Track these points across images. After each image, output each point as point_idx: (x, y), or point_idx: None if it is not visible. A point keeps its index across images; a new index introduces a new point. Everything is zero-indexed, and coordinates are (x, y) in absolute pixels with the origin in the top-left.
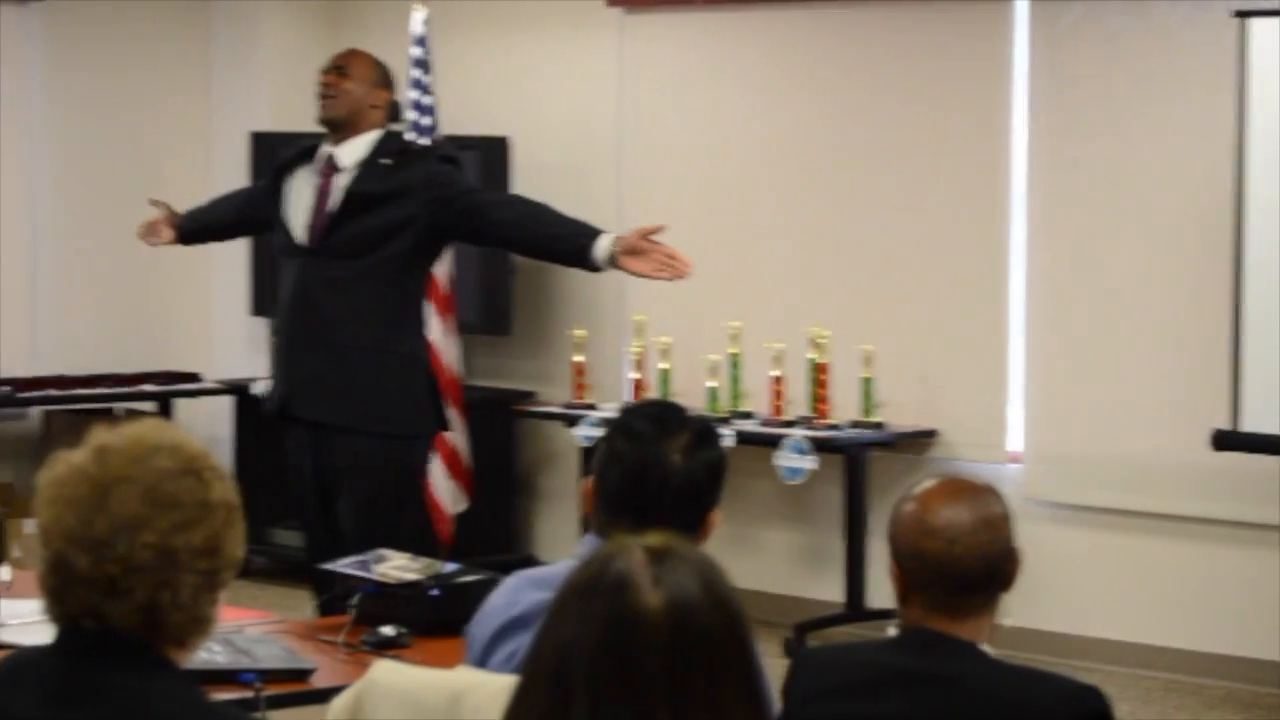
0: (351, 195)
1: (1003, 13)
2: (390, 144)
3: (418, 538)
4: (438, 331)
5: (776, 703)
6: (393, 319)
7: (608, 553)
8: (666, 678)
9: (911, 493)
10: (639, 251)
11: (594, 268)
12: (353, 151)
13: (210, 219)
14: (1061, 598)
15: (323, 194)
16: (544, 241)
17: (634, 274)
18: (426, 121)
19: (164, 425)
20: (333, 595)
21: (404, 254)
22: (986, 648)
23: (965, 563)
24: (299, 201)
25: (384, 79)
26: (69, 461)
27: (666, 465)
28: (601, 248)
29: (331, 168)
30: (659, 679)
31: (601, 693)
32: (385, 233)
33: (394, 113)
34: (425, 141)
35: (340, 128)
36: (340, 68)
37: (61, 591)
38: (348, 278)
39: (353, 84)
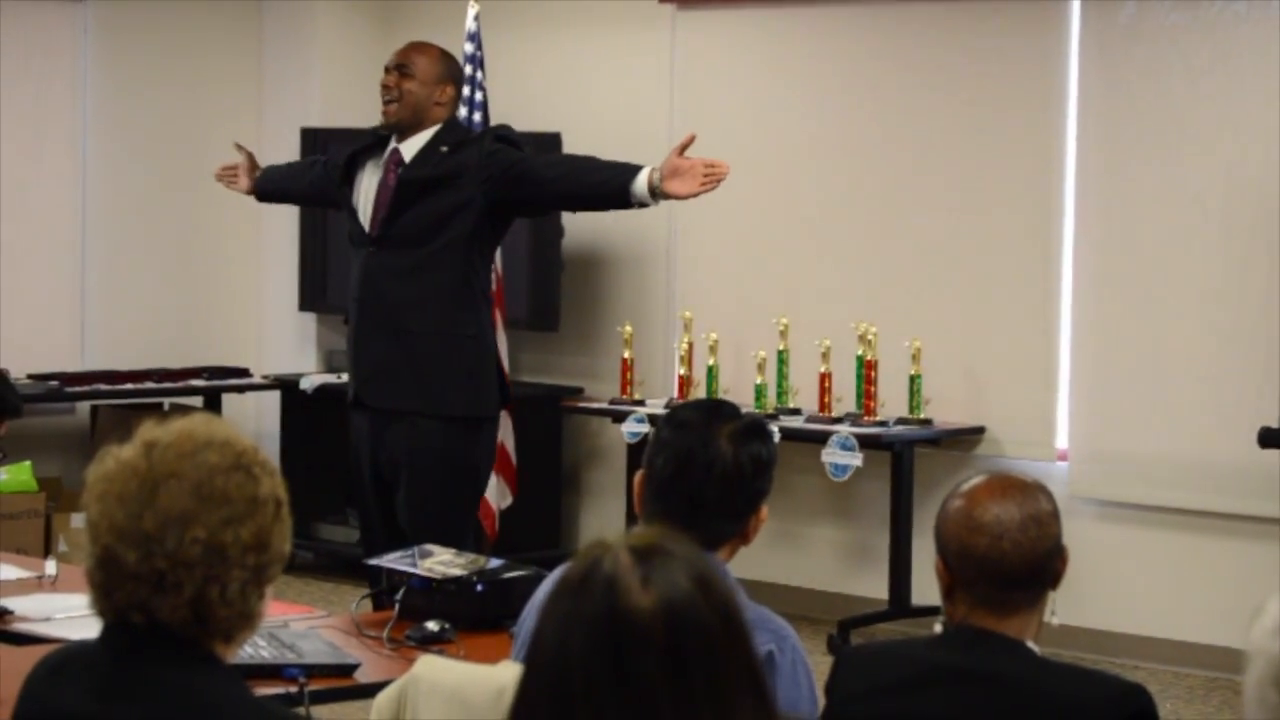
0: (404, 181)
1: (1056, 10)
2: (450, 133)
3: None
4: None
5: (820, 699)
6: (459, 302)
7: (592, 556)
8: (667, 678)
9: (959, 489)
10: (679, 172)
11: (640, 203)
12: (416, 145)
13: (287, 183)
14: (1107, 595)
15: (385, 186)
16: (590, 190)
17: (681, 197)
18: (478, 118)
19: (213, 420)
20: (379, 590)
21: (465, 237)
22: (1032, 645)
23: (1012, 559)
24: (366, 193)
25: (448, 74)
26: (118, 457)
27: (713, 451)
28: (640, 181)
29: (398, 162)
30: (659, 680)
31: (602, 699)
32: (444, 217)
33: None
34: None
35: (404, 129)
36: (402, 66)
37: (109, 586)
38: (412, 264)
39: (414, 84)
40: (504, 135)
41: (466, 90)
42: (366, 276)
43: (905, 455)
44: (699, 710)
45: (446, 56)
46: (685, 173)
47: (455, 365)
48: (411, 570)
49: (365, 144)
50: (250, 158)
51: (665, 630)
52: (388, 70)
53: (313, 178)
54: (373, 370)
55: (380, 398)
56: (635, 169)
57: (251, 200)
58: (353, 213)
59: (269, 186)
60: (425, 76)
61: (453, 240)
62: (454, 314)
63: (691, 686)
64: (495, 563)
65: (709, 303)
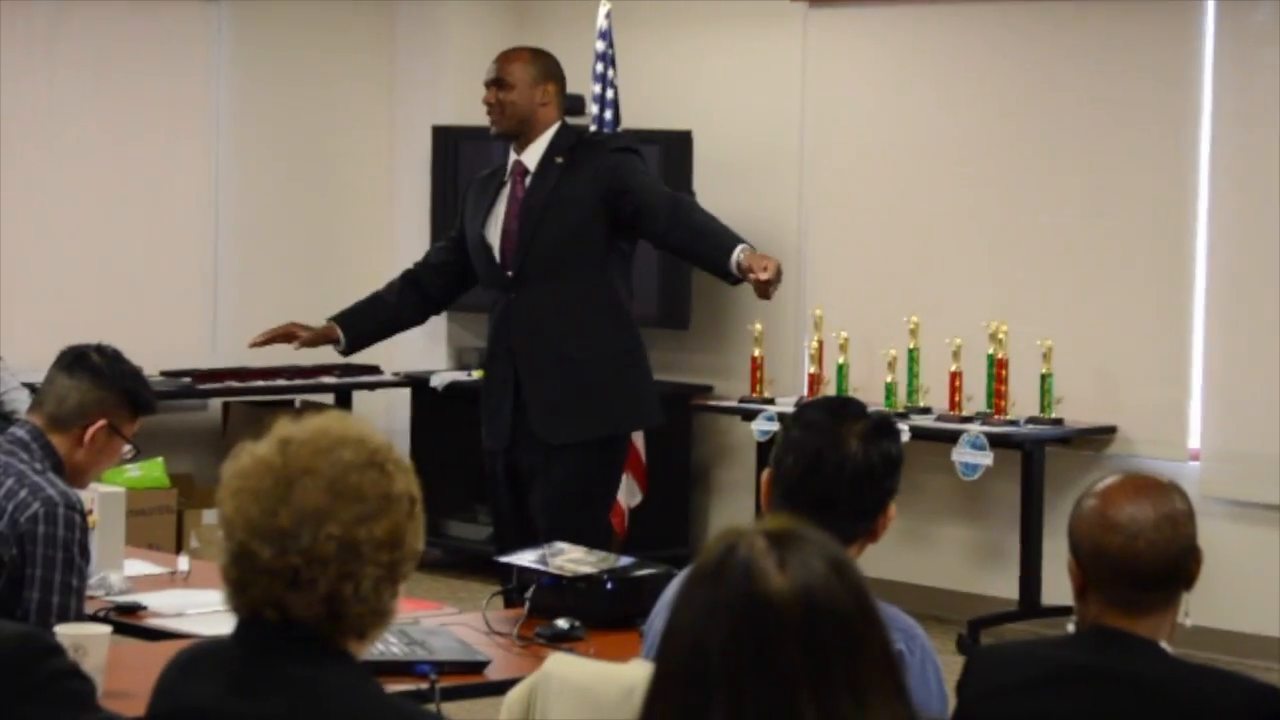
0: (526, 208)
1: (1191, 10)
2: (563, 140)
3: (606, 531)
4: None
5: (950, 698)
6: (613, 319)
7: (726, 542)
8: (805, 661)
9: (1094, 488)
10: (754, 265)
11: (735, 280)
12: (536, 153)
13: (384, 322)
14: (1240, 596)
15: (514, 199)
16: (692, 256)
17: (755, 281)
18: (609, 116)
19: (347, 418)
20: (508, 588)
21: (600, 251)
22: (1166, 646)
23: (1146, 559)
24: (495, 221)
25: (546, 72)
26: (253, 453)
27: (843, 450)
28: (733, 260)
29: (523, 173)
30: (797, 663)
31: (741, 683)
32: (573, 237)
33: (577, 104)
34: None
35: (517, 137)
36: (499, 80)
37: (244, 582)
38: (558, 293)
39: (514, 94)
40: (622, 146)
41: (597, 88)
42: (517, 320)
43: (1036, 454)
44: (837, 693)
45: (539, 55)
46: (759, 266)
47: (622, 383)
48: (542, 568)
49: (489, 187)
50: (293, 330)
51: (803, 613)
52: (487, 86)
53: (420, 290)
54: (547, 409)
55: (559, 433)
56: (732, 245)
57: (384, 197)
58: (487, 252)
59: (366, 332)
60: (522, 83)
61: (588, 258)
62: (612, 333)
63: (829, 669)
64: (625, 561)
65: (839, 300)
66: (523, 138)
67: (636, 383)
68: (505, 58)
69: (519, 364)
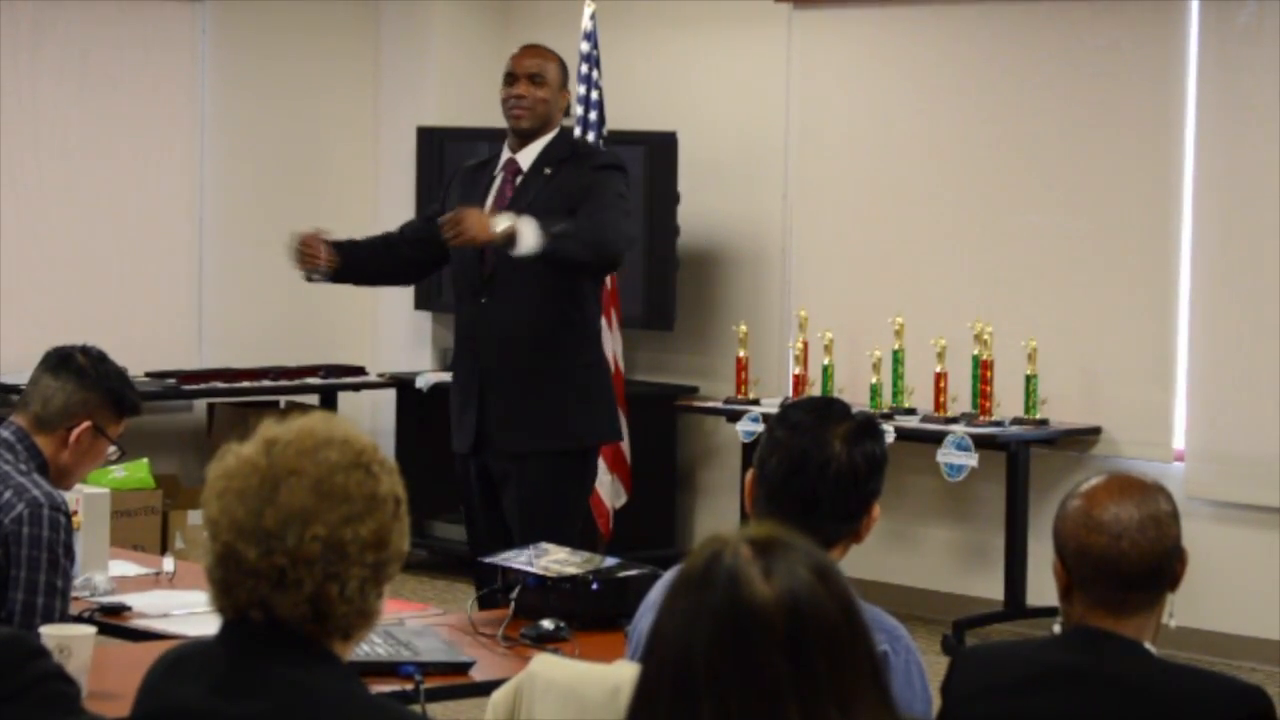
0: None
1: (1175, 10)
2: (557, 148)
3: (583, 534)
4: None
5: (935, 700)
6: (579, 332)
7: (712, 550)
8: (790, 669)
9: (1079, 489)
10: None
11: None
12: (531, 155)
13: (372, 264)
14: (1225, 597)
15: (502, 198)
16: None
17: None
18: (594, 117)
19: (333, 418)
20: (493, 589)
21: None
22: (1150, 647)
23: (1131, 559)
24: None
25: (566, 79)
26: (238, 454)
27: (827, 452)
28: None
29: (515, 171)
30: (782, 671)
31: (726, 691)
32: None
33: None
34: (594, 138)
35: (531, 136)
36: (535, 76)
37: (230, 583)
38: (529, 302)
39: (546, 92)
40: (606, 164)
41: (582, 90)
42: (486, 325)
43: (1021, 455)
44: (822, 699)
45: (563, 62)
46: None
47: (582, 397)
48: (527, 569)
49: (472, 190)
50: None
51: (788, 620)
52: (516, 78)
53: (397, 253)
54: (506, 418)
55: (516, 442)
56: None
57: (369, 198)
58: (460, 252)
59: (349, 270)
60: (554, 84)
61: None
62: (576, 345)
63: (814, 676)
64: (610, 561)
65: (824, 301)
66: (531, 138)
67: (597, 397)
68: (540, 55)
69: (483, 370)
